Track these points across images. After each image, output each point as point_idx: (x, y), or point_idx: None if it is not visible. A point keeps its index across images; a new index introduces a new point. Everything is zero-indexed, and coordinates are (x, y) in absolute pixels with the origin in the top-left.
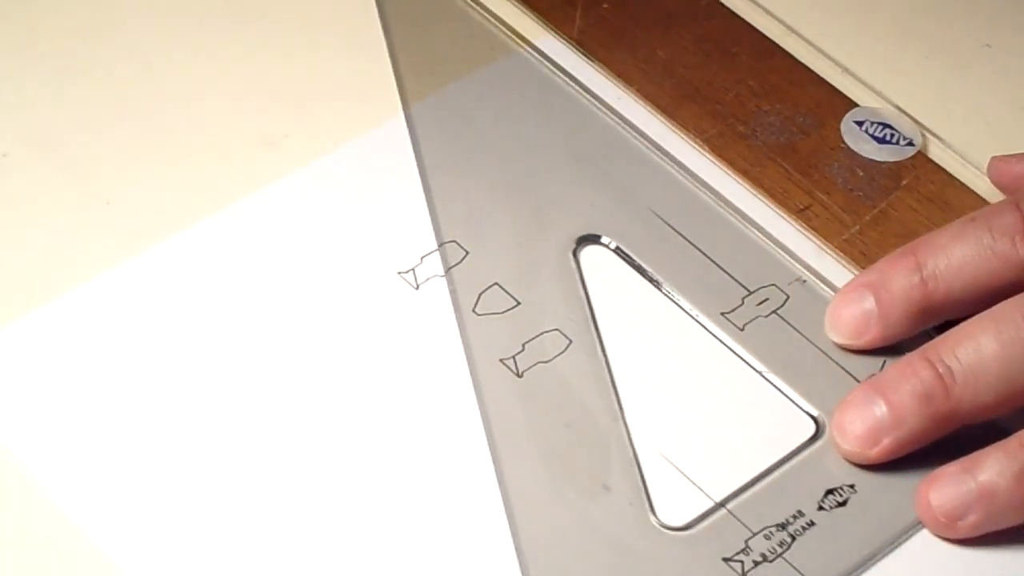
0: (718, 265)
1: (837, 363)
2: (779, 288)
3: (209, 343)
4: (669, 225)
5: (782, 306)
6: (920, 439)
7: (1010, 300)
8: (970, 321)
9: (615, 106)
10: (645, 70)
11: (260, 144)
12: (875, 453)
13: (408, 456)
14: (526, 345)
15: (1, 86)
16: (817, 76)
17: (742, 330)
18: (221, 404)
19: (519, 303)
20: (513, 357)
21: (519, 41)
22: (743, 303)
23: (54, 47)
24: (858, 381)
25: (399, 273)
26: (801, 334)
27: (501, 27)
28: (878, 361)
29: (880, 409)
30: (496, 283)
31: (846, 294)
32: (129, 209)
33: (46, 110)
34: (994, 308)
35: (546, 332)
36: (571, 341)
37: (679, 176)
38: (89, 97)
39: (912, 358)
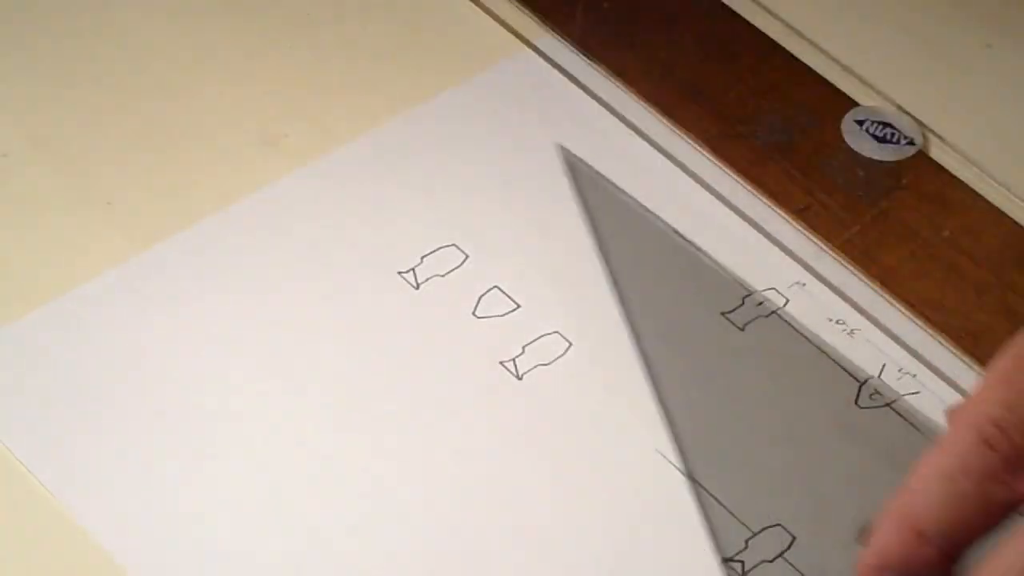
0: (718, 265)
1: (836, 363)
2: (778, 291)
3: (208, 342)
4: (669, 225)
5: (782, 307)
6: None
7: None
8: None
9: (615, 106)
10: (645, 70)
11: (260, 144)
12: None
13: (408, 455)
14: (526, 348)
15: (1, 86)
16: (818, 75)
17: (742, 330)
18: (221, 403)
19: (519, 306)
20: (513, 360)
21: (519, 42)
22: (743, 303)
23: (54, 47)
24: (857, 381)
25: (399, 273)
26: (801, 334)
27: (501, 28)
28: (877, 364)
29: None
30: (496, 286)
31: None
32: (129, 209)
33: (46, 110)
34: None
35: (547, 335)
36: (571, 344)
37: (679, 176)
38: (89, 97)
39: None
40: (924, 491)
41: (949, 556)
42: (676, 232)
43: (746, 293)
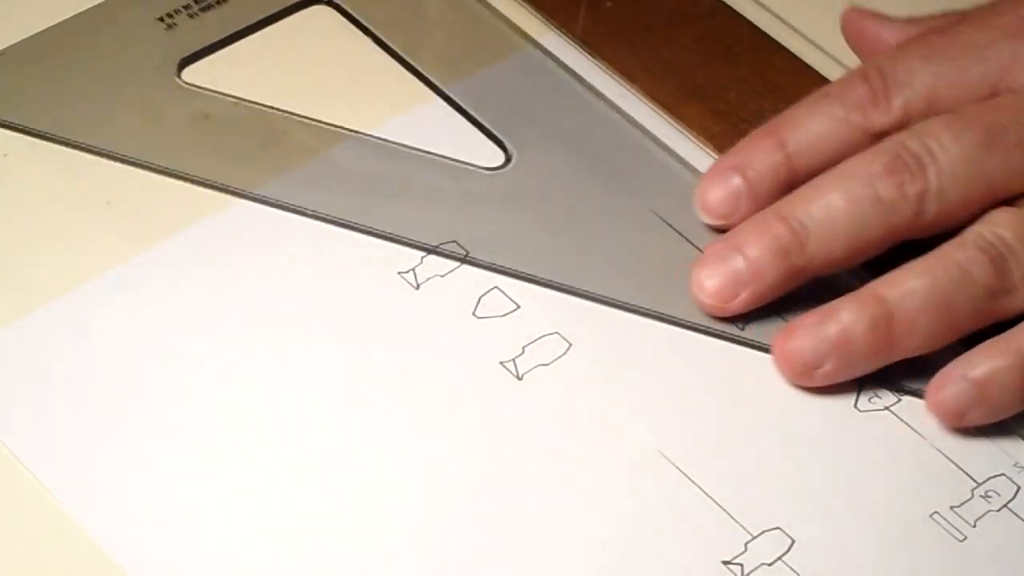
0: None
1: None
2: None
3: (209, 343)
4: (670, 225)
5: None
6: (775, 291)
7: (855, 157)
8: (819, 178)
9: (619, 104)
10: (648, 69)
11: (260, 144)
12: (734, 305)
13: (407, 455)
14: (526, 348)
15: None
16: (820, 75)
17: (742, 330)
18: (221, 403)
19: (519, 306)
20: (513, 360)
21: (523, 39)
22: None
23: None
24: (856, 384)
25: (399, 273)
26: None
27: (505, 25)
28: None
29: (738, 264)
30: (496, 286)
31: (712, 176)
32: (129, 209)
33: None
34: (840, 165)
35: (547, 335)
36: (571, 344)
37: (683, 174)
38: None
39: (766, 216)
40: (794, 111)
41: (795, 169)
42: (677, 231)
43: None
